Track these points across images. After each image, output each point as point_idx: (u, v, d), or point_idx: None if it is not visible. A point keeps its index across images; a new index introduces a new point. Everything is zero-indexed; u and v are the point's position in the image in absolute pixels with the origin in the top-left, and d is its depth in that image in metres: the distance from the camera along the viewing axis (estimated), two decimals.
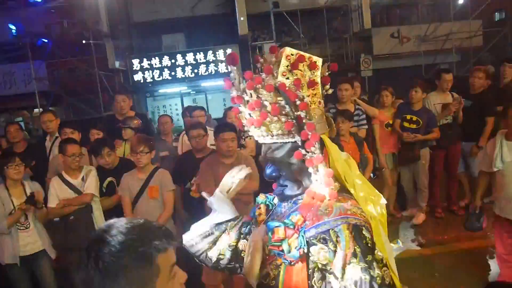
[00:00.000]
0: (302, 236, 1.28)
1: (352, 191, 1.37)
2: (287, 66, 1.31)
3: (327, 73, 1.42)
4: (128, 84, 12.11)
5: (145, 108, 13.39)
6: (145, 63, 12.01)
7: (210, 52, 11.95)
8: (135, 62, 11.98)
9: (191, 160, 3.80)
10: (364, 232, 1.23)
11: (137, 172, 3.53)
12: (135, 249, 0.90)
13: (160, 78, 12.10)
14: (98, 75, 10.81)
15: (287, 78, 1.31)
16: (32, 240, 3.52)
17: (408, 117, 4.87)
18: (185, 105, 13.49)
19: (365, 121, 4.77)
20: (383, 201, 1.45)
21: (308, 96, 1.33)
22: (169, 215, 3.59)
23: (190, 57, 11.95)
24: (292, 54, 1.33)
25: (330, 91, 1.43)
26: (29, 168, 4.01)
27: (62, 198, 3.52)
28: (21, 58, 11.71)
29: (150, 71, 12.05)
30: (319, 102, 1.37)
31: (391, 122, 5.01)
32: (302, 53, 1.36)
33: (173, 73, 11.96)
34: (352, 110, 4.66)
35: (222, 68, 11.94)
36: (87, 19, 10.84)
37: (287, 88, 1.27)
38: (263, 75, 1.31)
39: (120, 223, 0.95)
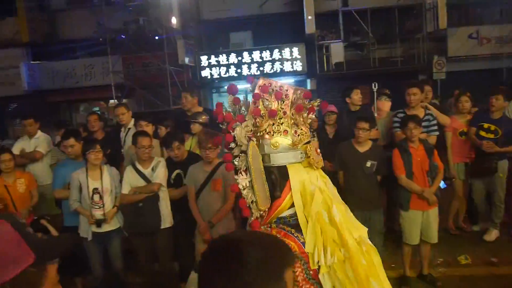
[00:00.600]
0: None
1: (304, 228, 1.32)
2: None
3: (310, 103, 1.43)
4: (196, 79, 12.53)
5: (211, 104, 13.76)
6: (213, 60, 12.33)
7: (276, 51, 12.00)
8: (203, 58, 12.35)
9: None
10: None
11: (203, 165, 3.68)
12: (272, 265, 0.87)
13: (227, 75, 12.37)
14: (168, 70, 11.29)
15: (256, 107, 1.36)
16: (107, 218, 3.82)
17: (486, 125, 4.56)
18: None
19: (436, 127, 4.54)
20: (364, 233, 1.39)
21: (272, 125, 1.36)
22: (230, 209, 3.70)
23: (256, 55, 12.08)
24: (264, 84, 1.37)
25: (310, 120, 1.43)
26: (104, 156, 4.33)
27: (134, 185, 3.78)
28: (100, 53, 12.59)
29: (217, 68, 12.36)
30: (285, 132, 1.37)
31: (465, 130, 4.72)
32: (273, 82, 1.40)
33: (239, 70, 12.17)
34: (422, 115, 4.46)
35: (287, 66, 11.94)
36: (161, 17, 11.36)
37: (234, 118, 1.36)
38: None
39: (248, 238, 0.92)
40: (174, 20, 11.33)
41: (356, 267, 1.26)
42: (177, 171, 3.98)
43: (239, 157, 1.38)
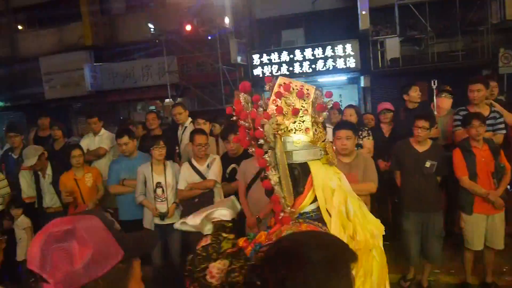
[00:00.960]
0: (255, 250, 1.38)
1: (328, 221, 1.36)
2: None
3: (326, 101, 1.47)
4: (248, 78, 12.65)
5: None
6: (265, 58, 12.39)
7: (328, 48, 11.82)
8: (255, 57, 12.44)
9: None
10: None
11: (254, 160, 3.71)
12: (340, 264, 0.88)
13: (278, 73, 12.36)
14: (221, 69, 11.51)
15: (277, 105, 1.41)
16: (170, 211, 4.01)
17: None
18: None
19: (502, 125, 4.25)
20: (380, 230, 1.43)
21: (294, 123, 1.40)
22: None
23: (308, 52, 11.97)
24: (285, 83, 1.42)
25: (322, 118, 1.47)
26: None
27: (189, 182, 3.91)
28: (156, 54, 13.11)
29: (269, 66, 12.40)
30: (307, 129, 1.41)
31: None
32: (293, 81, 1.44)
33: (291, 68, 12.13)
34: (487, 113, 4.19)
35: (340, 63, 11.73)
36: (214, 17, 11.59)
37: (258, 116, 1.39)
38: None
39: (311, 238, 0.93)
40: (227, 20, 11.51)
41: (361, 263, 1.32)
42: (232, 165, 4.08)
43: (267, 153, 1.41)
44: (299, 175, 1.42)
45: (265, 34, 13.42)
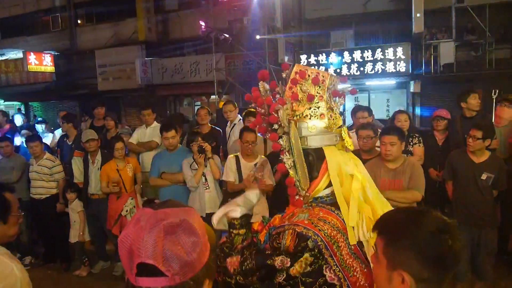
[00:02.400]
0: (269, 233, 1.45)
1: (342, 206, 1.37)
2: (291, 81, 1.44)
3: (344, 87, 1.50)
4: None
5: None
6: (312, 59, 12.29)
7: (378, 50, 11.53)
8: (303, 57, 12.37)
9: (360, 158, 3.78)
10: (308, 243, 1.26)
11: None
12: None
13: None
14: (268, 68, 11.54)
15: (293, 92, 1.44)
16: (211, 199, 4.16)
17: None
18: (347, 103, 13.33)
19: None
20: None
21: (309, 109, 1.43)
22: None
23: (357, 54, 11.74)
24: (301, 70, 1.44)
25: (338, 105, 1.50)
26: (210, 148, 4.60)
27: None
28: (205, 51, 13.35)
29: (316, 67, 12.27)
30: (321, 115, 1.43)
31: None
32: (308, 69, 1.46)
33: (338, 70, 11.96)
34: None
35: (389, 67, 11.42)
36: (264, 16, 11.64)
37: (273, 102, 1.43)
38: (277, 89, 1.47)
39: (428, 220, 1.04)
40: (276, 19, 11.53)
41: None
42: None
43: (282, 138, 1.44)
44: (314, 160, 1.44)
45: (314, 34, 13.30)
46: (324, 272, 1.25)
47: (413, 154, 4.32)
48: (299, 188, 1.43)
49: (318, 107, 1.44)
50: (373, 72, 11.64)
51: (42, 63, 16.34)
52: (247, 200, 1.55)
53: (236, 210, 1.51)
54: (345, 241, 1.30)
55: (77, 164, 5.21)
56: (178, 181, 4.27)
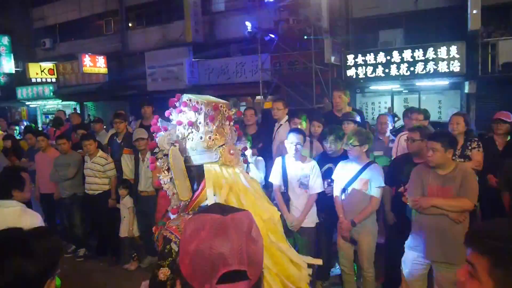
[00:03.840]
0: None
1: None
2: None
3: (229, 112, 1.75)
4: (340, 79, 12.39)
5: (354, 104, 13.47)
6: (359, 59, 12.02)
7: (430, 49, 11.06)
8: (350, 57, 12.13)
9: (409, 163, 3.63)
10: (171, 245, 1.42)
11: (352, 162, 3.64)
12: None
13: (373, 75, 11.93)
14: (314, 69, 11.41)
15: (178, 119, 1.72)
16: None
17: None
18: (395, 104, 12.95)
19: None
20: (275, 215, 1.68)
21: (192, 132, 1.68)
22: (373, 210, 3.61)
23: (407, 54, 11.34)
24: (184, 101, 1.71)
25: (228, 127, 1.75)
26: (255, 149, 4.59)
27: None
28: (251, 51, 13.42)
29: (363, 67, 12.00)
30: (201, 138, 1.67)
31: None
32: (192, 98, 1.70)
33: (386, 70, 11.61)
34: None
35: (442, 67, 10.92)
36: (310, 16, 11.52)
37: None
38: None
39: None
40: (322, 19, 11.37)
41: None
42: (329, 165, 4.04)
43: (161, 159, 1.71)
44: (195, 175, 1.69)
45: (361, 34, 13.00)
46: None
47: (471, 159, 4.09)
48: (174, 200, 1.69)
49: (198, 131, 1.68)
50: (424, 72, 11.18)
51: (96, 65, 17.17)
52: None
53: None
54: None
55: (126, 161, 5.41)
56: None
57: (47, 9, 20.86)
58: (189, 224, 0.97)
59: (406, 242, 3.27)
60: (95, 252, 5.70)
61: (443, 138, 3.08)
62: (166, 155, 1.69)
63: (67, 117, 10.01)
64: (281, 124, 4.93)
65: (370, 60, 11.89)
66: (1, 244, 1.22)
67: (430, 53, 11.06)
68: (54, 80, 19.85)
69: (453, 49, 10.80)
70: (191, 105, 1.69)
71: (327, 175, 3.96)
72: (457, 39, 11.00)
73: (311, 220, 3.92)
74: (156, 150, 1.72)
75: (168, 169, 1.69)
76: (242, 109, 15.76)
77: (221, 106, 1.72)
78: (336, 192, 3.71)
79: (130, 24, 18.23)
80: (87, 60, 16.86)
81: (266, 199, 1.76)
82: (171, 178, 1.69)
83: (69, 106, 20.10)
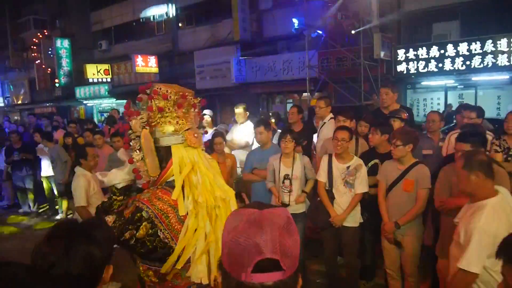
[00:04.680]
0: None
1: (178, 185, 1.82)
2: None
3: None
4: (390, 74, 12.02)
5: (404, 100, 13.03)
6: (411, 54, 11.57)
7: (489, 42, 10.42)
8: (400, 52, 11.72)
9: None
10: (142, 214, 1.74)
11: (397, 162, 3.53)
12: None
13: (425, 70, 11.44)
14: (362, 64, 11.15)
15: (149, 105, 1.90)
16: (293, 202, 4.11)
17: None
18: (449, 100, 12.36)
19: None
20: (231, 195, 1.92)
21: (161, 117, 1.89)
22: (418, 212, 3.47)
23: (463, 47, 10.75)
24: (154, 89, 1.88)
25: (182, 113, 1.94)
26: (300, 146, 4.59)
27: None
28: (298, 48, 13.34)
29: (415, 62, 11.54)
30: (169, 122, 1.90)
31: None
32: (163, 87, 1.88)
33: (440, 65, 11.09)
34: None
35: (502, 60, 10.25)
36: (360, 11, 11.25)
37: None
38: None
39: None
40: (372, 13, 11.07)
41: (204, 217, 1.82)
42: (375, 160, 3.96)
43: (134, 140, 1.93)
44: (163, 155, 1.91)
45: (413, 27, 12.51)
46: (159, 234, 1.75)
47: None
48: (146, 176, 1.93)
49: (167, 116, 1.90)
50: (481, 66, 10.56)
51: (148, 64, 17.86)
52: (130, 171, 2.00)
53: (120, 182, 2.01)
54: (175, 213, 1.78)
55: None
56: (265, 178, 4.35)
57: (104, 12, 22.01)
58: (229, 218, 1.03)
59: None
60: None
61: (472, 138, 2.92)
62: (139, 136, 1.92)
63: (120, 115, 10.50)
64: (324, 122, 4.89)
65: (422, 55, 11.41)
66: (70, 232, 1.34)
67: (489, 46, 10.42)
68: (109, 80, 20.93)
69: None
70: (161, 93, 1.89)
71: (372, 171, 3.88)
72: None
73: (353, 219, 3.86)
74: (130, 132, 1.96)
75: (140, 149, 1.91)
76: (290, 106, 15.84)
77: (187, 95, 1.95)
78: (380, 192, 3.61)
79: (180, 25, 18.77)
80: (139, 60, 17.58)
81: (223, 180, 2.00)
82: (142, 157, 1.92)
83: (122, 105, 21.07)
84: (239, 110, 5.56)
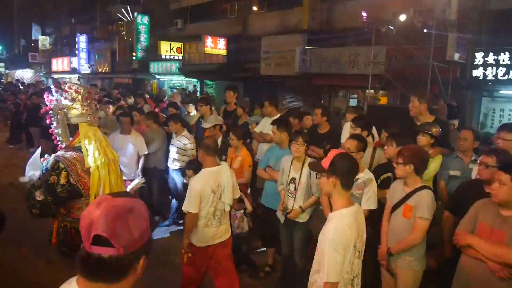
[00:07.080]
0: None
1: (82, 148, 3.00)
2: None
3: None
4: (464, 79, 10.99)
5: (478, 108, 11.88)
6: (490, 58, 10.45)
7: None
8: (478, 55, 10.62)
9: (477, 192, 3.01)
10: (59, 164, 2.87)
11: (403, 184, 3.17)
12: None
13: (505, 77, 10.27)
14: (431, 66, 10.29)
15: (65, 96, 3.09)
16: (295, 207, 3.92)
17: None
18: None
19: None
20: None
21: (72, 104, 3.07)
22: (413, 243, 3.05)
23: None
24: (68, 86, 3.08)
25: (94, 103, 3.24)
26: (323, 150, 4.35)
27: None
28: (365, 42, 12.65)
29: (494, 68, 10.41)
30: (78, 108, 3.07)
31: None
32: (74, 86, 3.10)
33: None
34: None
35: None
36: (436, 7, 10.32)
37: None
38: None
39: None
40: (449, 11, 10.10)
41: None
42: (388, 174, 3.62)
43: (54, 118, 3.08)
44: (73, 129, 3.05)
45: (497, 29, 11.24)
46: (70, 179, 2.84)
47: None
48: (62, 142, 3.10)
49: (77, 104, 3.06)
50: None
51: (217, 46, 18.15)
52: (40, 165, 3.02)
53: (35, 175, 2.97)
54: (81, 165, 2.93)
55: None
56: (275, 179, 4.19)
57: None
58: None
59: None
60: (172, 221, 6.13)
61: (510, 168, 2.48)
62: (57, 115, 3.04)
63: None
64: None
65: (504, 60, 10.26)
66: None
67: None
68: (180, 57, 21.64)
69: None
70: (73, 88, 3.05)
71: (384, 185, 3.55)
72: None
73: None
74: (51, 112, 3.08)
75: (58, 125, 3.06)
76: (352, 102, 15.16)
77: (91, 91, 3.20)
78: (385, 213, 3.27)
79: (254, 8, 18.72)
80: (209, 41, 17.91)
81: (111, 148, 3.20)
82: (60, 130, 3.06)
83: (191, 82, 21.76)
84: (266, 104, 5.41)
